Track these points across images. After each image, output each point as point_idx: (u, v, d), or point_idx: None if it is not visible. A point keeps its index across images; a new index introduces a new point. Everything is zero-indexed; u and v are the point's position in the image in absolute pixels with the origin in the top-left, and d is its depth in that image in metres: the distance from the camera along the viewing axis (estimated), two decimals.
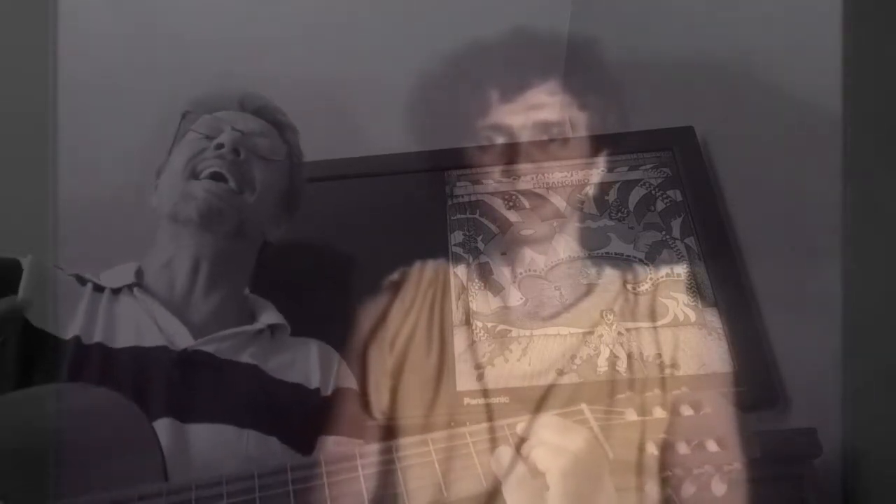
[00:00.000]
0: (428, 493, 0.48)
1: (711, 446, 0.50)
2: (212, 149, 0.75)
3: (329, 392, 0.76)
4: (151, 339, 0.67)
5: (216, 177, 0.74)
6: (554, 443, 0.49)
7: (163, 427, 0.59)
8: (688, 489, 0.50)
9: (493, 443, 0.50)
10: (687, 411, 0.52)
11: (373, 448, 0.50)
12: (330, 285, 0.99)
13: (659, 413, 0.52)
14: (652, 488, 0.49)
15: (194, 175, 0.75)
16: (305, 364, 0.77)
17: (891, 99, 0.63)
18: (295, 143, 0.88)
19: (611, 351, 0.85)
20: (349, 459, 0.49)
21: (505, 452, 0.49)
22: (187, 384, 0.65)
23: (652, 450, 0.50)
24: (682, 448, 0.50)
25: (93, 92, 1.17)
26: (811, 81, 0.78)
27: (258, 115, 0.84)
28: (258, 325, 0.76)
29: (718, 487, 0.50)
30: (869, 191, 0.66)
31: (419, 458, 0.49)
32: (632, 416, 0.52)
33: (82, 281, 0.72)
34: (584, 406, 0.52)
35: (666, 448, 0.50)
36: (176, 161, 0.77)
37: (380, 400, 0.82)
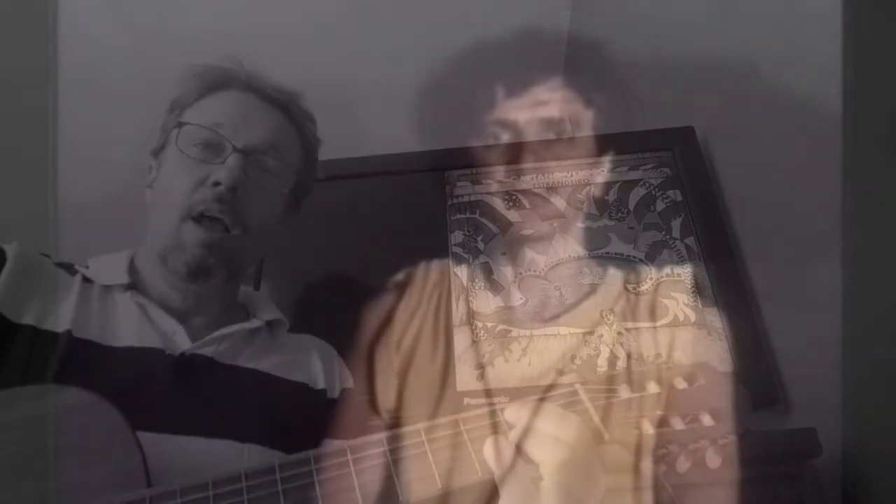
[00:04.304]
0: (423, 485, 0.46)
1: (706, 420, 0.49)
2: (208, 186, 0.67)
3: (336, 394, 0.73)
4: (148, 340, 0.63)
5: (210, 220, 0.67)
6: (550, 433, 0.47)
7: (153, 439, 0.54)
8: (682, 464, 0.49)
9: (488, 430, 0.49)
10: (681, 384, 0.51)
11: (363, 441, 0.48)
12: (329, 284, 0.99)
13: (653, 388, 0.50)
14: (647, 466, 0.49)
15: (189, 214, 0.67)
16: (308, 363, 0.74)
17: (891, 99, 0.63)
18: (310, 137, 0.79)
19: (611, 351, 0.85)
20: (340, 454, 0.47)
21: (498, 442, 0.47)
22: (184, 393, 0.61)
23: (647, 428, 0.49)
24: (678, 424, 0.49)
25: (93, 92, 1.17)
26: (811, 82, 0.78)
27: (267, 100, 0.75)
28: (256, 323, 0.72)
29: (713, 460, 0.49)
30: (869, 191, 0.66)
31: (412, 449, 0.48)
32: (626, 392, 0.50)
33: (71, 270, 0.67)
34: (577, 386, 0.51)
35: (661, 424, 0.49)
36: (170, 184, 0.69)
37: (387, 400, 0.82)
